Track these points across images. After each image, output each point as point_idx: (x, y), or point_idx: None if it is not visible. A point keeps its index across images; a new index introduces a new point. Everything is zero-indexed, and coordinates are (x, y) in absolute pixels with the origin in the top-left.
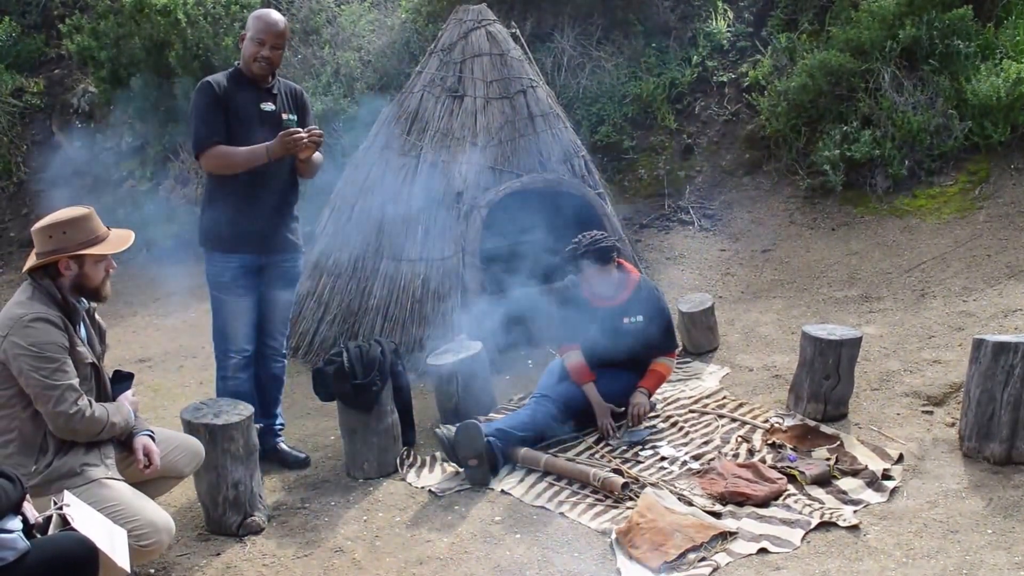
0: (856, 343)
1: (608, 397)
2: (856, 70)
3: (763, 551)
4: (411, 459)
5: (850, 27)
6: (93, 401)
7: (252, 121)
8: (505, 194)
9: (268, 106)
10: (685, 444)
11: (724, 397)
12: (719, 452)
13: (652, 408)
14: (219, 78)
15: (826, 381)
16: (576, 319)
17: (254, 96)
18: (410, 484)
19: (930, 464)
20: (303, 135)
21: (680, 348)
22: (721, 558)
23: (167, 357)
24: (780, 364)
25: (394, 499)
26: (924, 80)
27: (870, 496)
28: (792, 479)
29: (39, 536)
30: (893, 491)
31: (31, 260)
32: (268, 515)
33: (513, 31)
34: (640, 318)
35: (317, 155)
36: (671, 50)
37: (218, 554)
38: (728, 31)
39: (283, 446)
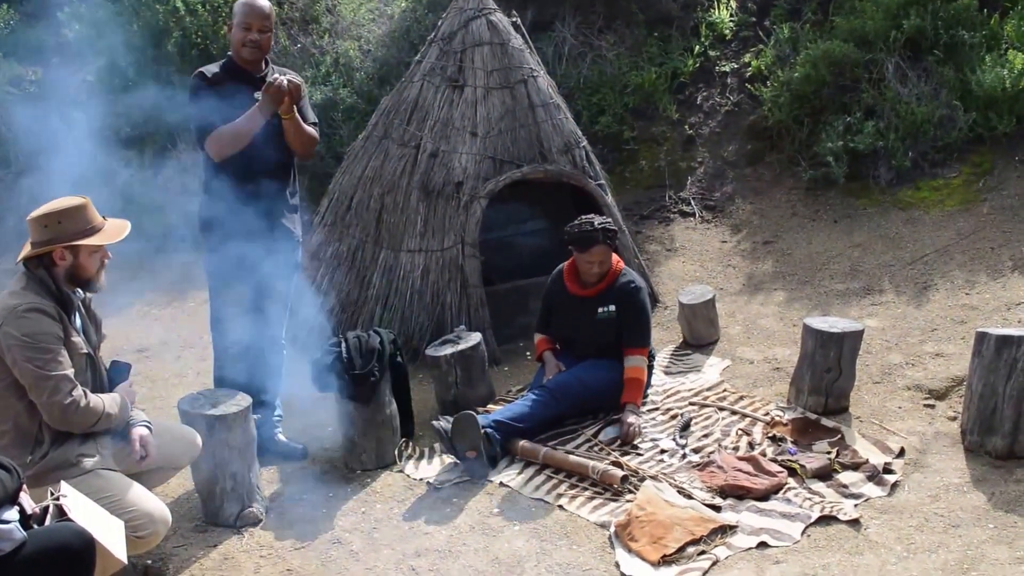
0: (858, 336)
1: (590, 388)
2: (860, 60)
3: (763, 545)
4: (409, 451)
5: (854, 17)
6: (88, 392)
7: (246, 108)
8: (505, 184)
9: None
10: (685, 436)
11: (725, 390)
12: (719, 445)
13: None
14: (211, 68)
15: (827, 374)
16: (554, 309)
17: (247, 86)
18: (408, 476)
19: (931, 458)
20: (283, 80)
21: (680, 340)
22: (721, 551)
23: (165, 347)
24: (781, 357)
25: (392, 491)
26: (928, 71)
27: (871, 490)
28: (792, 472)
29: (36, 527)
30: (894, 485)
31: (26, 249)
32: (266, 506)
33: (514, 20)
34: (612, 308)
35: (310, 129)
36: (673, 40)
37: (215, 545)
38: (731, 21)
39: (281, 437)
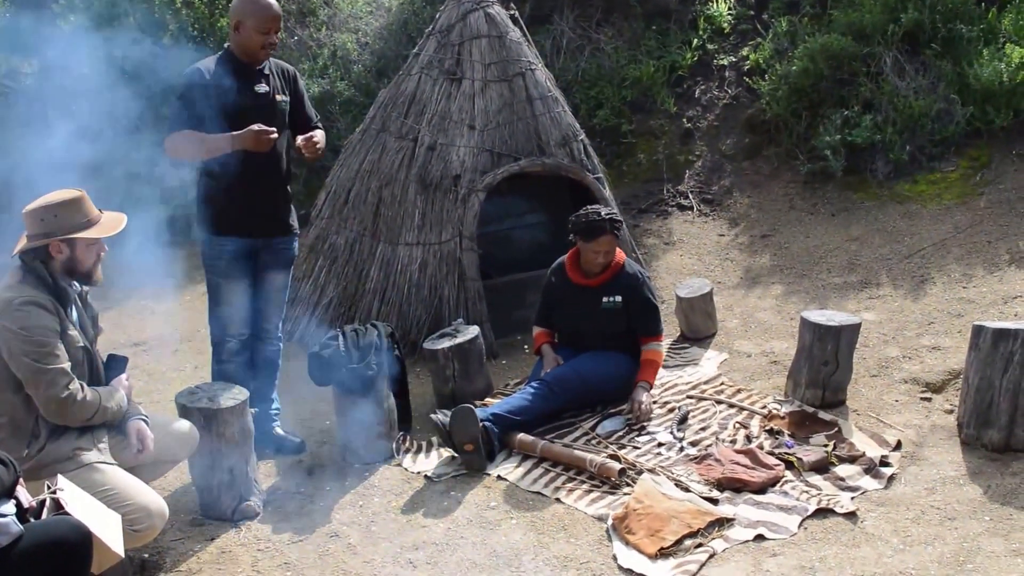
0: (855, 329)
1: (588, 381)
2: (858, 54)
3: (760, 537)
4: (407, 444)
5: (852, 10)
6: (85, 385)
7: (246, 104)
8: (503, 178)
9: (261, 87)
10: (682, 429)
11: (722, 383)
12: (716, 438)
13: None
14: (209, 64)
15: (824, 367)
16: (557, 300)
17: (246, 79)
18: (406, 469)
19: (928, 451)
20: (274, 136)
21: (678, 334)
22: (718, 544)
23: (162, 341)
24: (778, 350)
25: (390, 484)
26: (926, 64)
27: (868, 483)
28: (790, 465)
29: (32, 520)
30: (891, 478)
31: (22, 242)
32: (263, 500)
33: (512, 13)
34: (619, 298)
35: (320, 140)
36: (671, 33)
37: (212, 539)
38: (729, 14)
39: (278, 430)
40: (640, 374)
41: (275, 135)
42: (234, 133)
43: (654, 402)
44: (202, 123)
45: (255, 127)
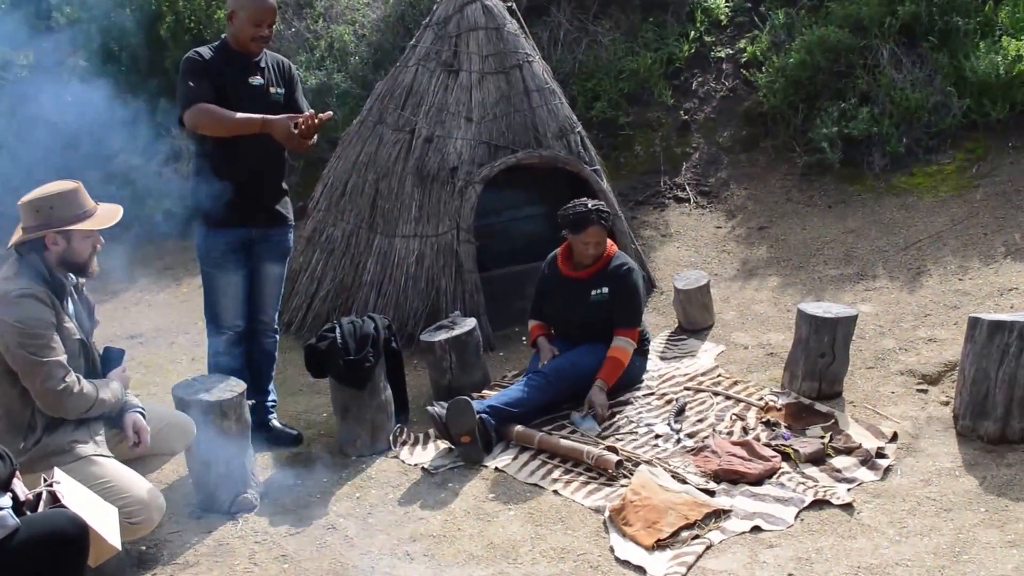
0: (851, 321)
1: (584, 373)
2: (855, 46)
3: (756, 529)
4: (404, 436)
5: (849, 3)
6: (82, 378)
7: (240, 95)
8: (500, 170)
9: (256, 80)
10: (679, 421)
11: (719, 375)
12: (713, 430)
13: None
14: (205, 51)
15: (821, 359)
16: (548, 293)
17: (242, 70)
18: (403, 461)
19: (924, 442)
20: (311, 143)
21: (675, 326)
22: (714, 536)
23: (158, 333)
24: (775, 342)
25: (387, 476)
26: (923, 57)
27: (864, 474)
28: (786, 457)
29: (29, 513)
30: (887, 469)
31: (17, 234)
32: (260, 492)
33: (509, 4)
34: (606, 290)
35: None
36: (668, 25)
37: (210, 531)
38: (726, 6)
39: (275, 423)
40: (600, 370)
41: (311, 143)
42: (267, 116)
43: (651, 393)
44: (210, 97)
45: (290, 123)
